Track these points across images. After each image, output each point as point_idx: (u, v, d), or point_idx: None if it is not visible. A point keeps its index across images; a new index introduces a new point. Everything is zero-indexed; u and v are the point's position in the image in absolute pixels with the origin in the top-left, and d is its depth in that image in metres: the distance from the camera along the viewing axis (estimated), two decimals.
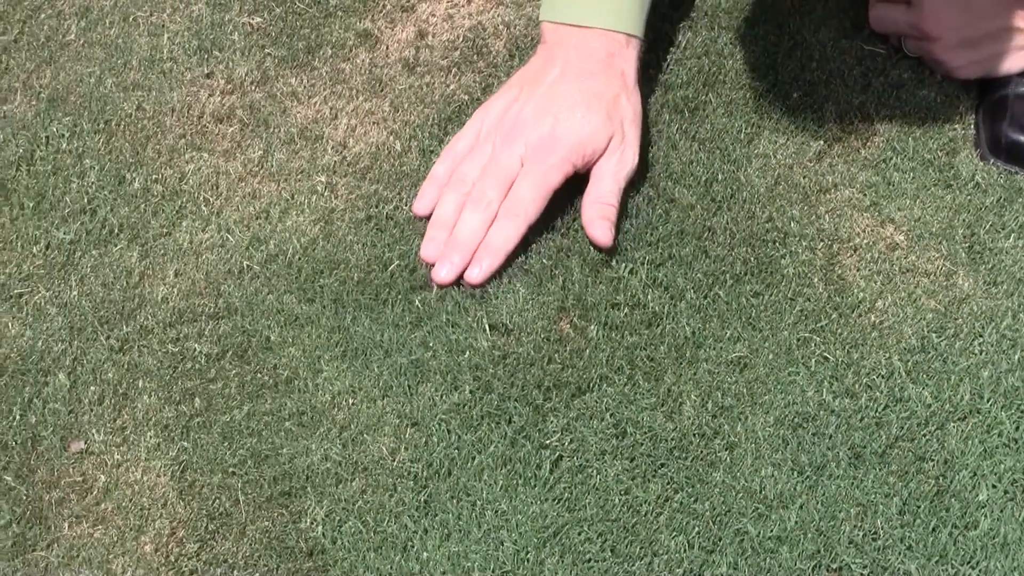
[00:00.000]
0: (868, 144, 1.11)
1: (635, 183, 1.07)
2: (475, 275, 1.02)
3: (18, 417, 0.99)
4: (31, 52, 1.16)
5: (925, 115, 1.12)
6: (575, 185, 1.07)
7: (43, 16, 1.18)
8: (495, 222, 1.03)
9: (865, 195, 1.08)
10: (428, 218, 1.06)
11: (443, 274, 1.02)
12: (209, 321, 1.03)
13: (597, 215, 1.03)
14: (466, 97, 1.14)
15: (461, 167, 1.06)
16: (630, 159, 1.05)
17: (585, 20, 1.05)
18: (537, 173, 1.03)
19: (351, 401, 0.99)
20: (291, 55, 1.15)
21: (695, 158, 1.10)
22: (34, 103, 1.14)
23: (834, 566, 0.93)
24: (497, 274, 1.03)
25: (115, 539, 0.95)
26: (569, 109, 1.03)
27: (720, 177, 1.09)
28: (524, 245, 1.05)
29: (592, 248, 1.04)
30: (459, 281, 1.03)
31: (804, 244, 1.06)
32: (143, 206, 1.09)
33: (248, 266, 1.05)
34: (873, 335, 1.02)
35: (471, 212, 1.04)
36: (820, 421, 0.98)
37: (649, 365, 1.00)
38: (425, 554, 0.93)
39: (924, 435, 0.97)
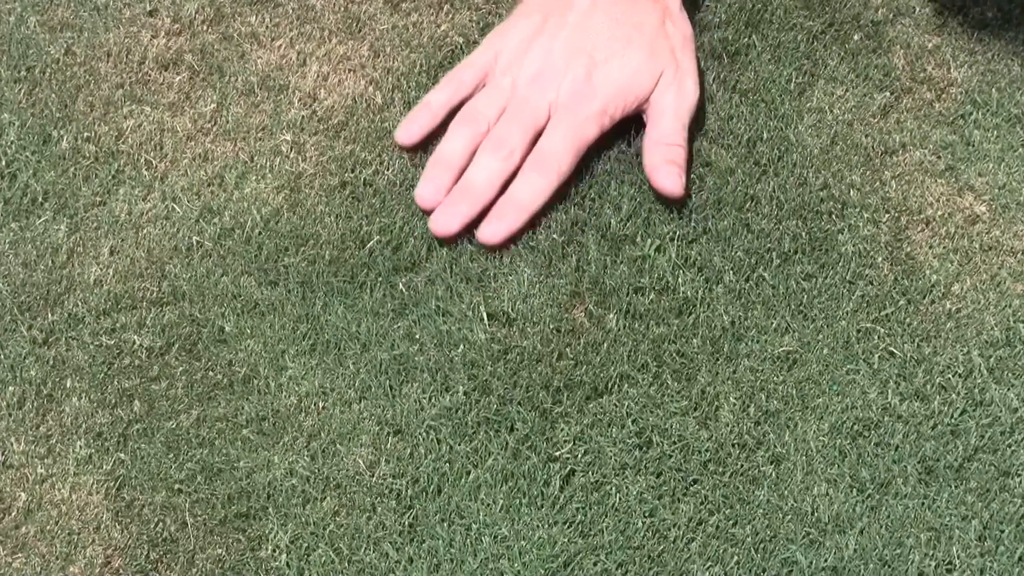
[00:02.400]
0: (943, 96, 1.11)
1: None
2: (494, 232, 1.02)
3: None
4: None
5: (1012, 61, 1.12)
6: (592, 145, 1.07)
7: None
8: (521, 174, 1.04)
9: (939, 158, 1.09)
10: (412, 149, 1.07)
11: (445, 223, 1.02)
12: (151, 308, 1.03)
13: (662, 159, 1.03)
14: (460, 40, 1.13)
15: (474, 101, 1.06)
16: (690, 90, 1.06)
17: None
18: (570, 124, 1.04)
19: (321, 404, 0.99)
20: None
21: (735, 113, 1.10)
22: None
23: None
24: (510, 242, 1.03)
25: (38, 569, 0.95)
26: (607, 47, 1.04)
27: (765, 136, 1.09)
28: (531, 220, 1.05)
29: (612, 222, 1.04)
30: (461, 237, 1.03)
31: (866, 216, 1.06)
32: (72, 170, 1.08)
33: (198, 242, 1.05)
34: (948, 326, 1.02)
35: (489, 157, 1.04)
36: (884, 429, 0.98)
37: (679, 362, 1.00)
38: None
39: (1009, 445, 0.98)
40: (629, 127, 1.07)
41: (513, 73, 1.06)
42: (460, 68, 1.08)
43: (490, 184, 1.03)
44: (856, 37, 1.13)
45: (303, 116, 1.10)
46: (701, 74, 1.08)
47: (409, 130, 1.07)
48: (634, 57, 1.04)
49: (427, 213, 1.04)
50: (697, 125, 1.09)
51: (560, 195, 1.05)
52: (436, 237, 1.03)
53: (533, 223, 1.04)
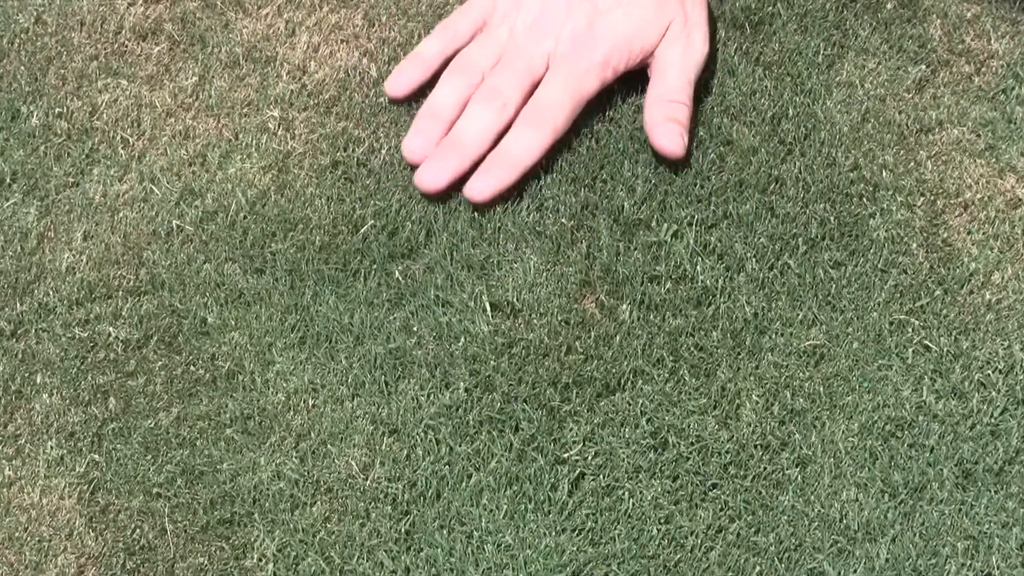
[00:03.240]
0: (983, 70, 1.11)
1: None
2: (482, 188, 1.02)
3: None
4: None
5: None
6: (601, 117, 1.07)
7: None
8: (514, 127, 1.04)
9: (979, 136, 1.09)
10: (402, 101, 1.07)
11: (431, 178, 1.03)
12: (128, 298, 1.03)
13: (663, 117, 1.03)
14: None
15: (468, 50, 1.07)
16: (699, 45, 1.06)
17: None
18: (569, 76, 1.04)
19: (311, 402, 0.99)
20: None
21: (759, 87, 1.10)
22: None
23: None
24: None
25: None
26: None
27: (791, 112, 1.09)
28: (537, 200, 1.05)
29: (625, 206, 1.04)
30: (450, 191, 1.03)
31: (899, 200, 1.06)
32: (43, 148, 1.09)
33: (178, 226, 1.05)
34: (988, 317, 1.02)
35: (482, 108, 1.04)
36: (919, 429, 0.98)
37: (698, 356, 1.00)
38: None
39: None
40: (640, 101, 1.07)
41: (511, 21, 1.06)
42: (455, 15, 1.08)
43: (481, 137, 1.03)
44: (889, 5, 1.13)
45: (292, 90, 1.10)
46: (712, 28, 1.09)
47: (399, 81, 1.07)
48: (640, 6, 1.04)
49: (415, 168, 1.04)
50: (716, 101, 1.08)
51: (568, 174, 1.05)
52: (422, 192, 1.03)
53: (525, 180, 1.04)
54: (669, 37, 1.05)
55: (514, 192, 1.04)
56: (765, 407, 0.99)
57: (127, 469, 0.98)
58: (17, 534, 0.96)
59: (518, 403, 0.98)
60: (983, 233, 1.05)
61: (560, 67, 1.04)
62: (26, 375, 1.01)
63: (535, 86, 1.05)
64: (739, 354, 1.00)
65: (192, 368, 1.01)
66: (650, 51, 1.05)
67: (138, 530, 0.96)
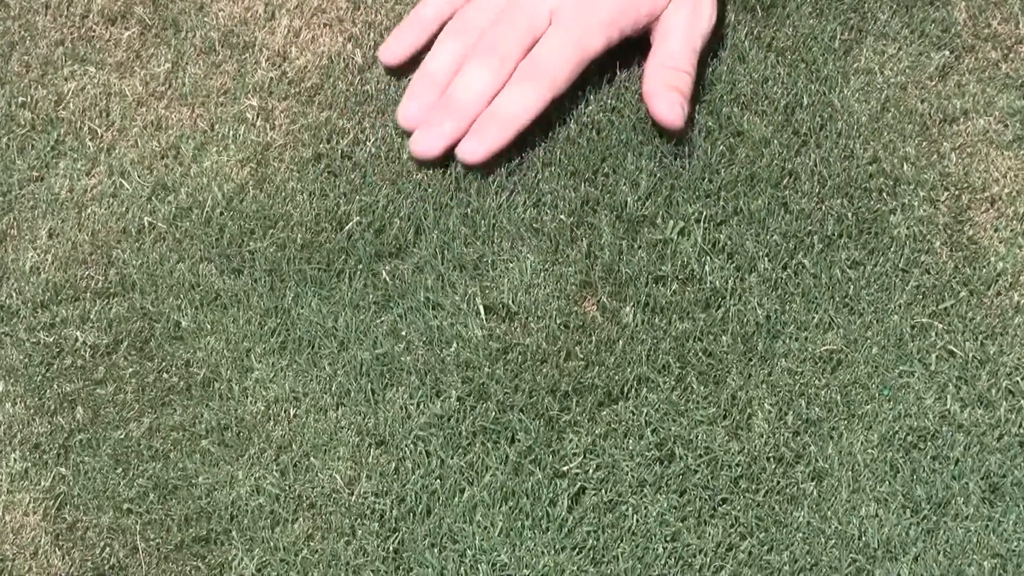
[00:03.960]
0: (1011, 56, 1.11)
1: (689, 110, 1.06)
2: (474, 150, 1.03)
3: None
4: None
5: None
6: (603, 105, 1.06)
7: None
8: (510, 83, 1.04)
9: (1007, 126, 1.09)
10: (399, 69, 1.08)
11: (427, 144, 1.03)
12: (96, 300, 1.03)
13: (663, 84, 1.04)
14: None
15: (465, 10, 1.07)
16: (707, 12, 1.06)
17: None
18: (571, 31, 1.04)
19: (292, 411, 0.99)
20: None
21: (771, 74, 1.10)
22: None
23: None
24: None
25: None
26: None
27: (806, 101, 1.09)
28: (534, 195, 1.04)
29: (628, 201, 1.04)
30: (447, 158, 1.04)
31: (922, 194, 1.06)
32: (5, 140, 1.09)
33: (150, 223, 1.05)
34: (1017, 320, 1.02)
35: (478, 66, 1.04)
36: (943, 440, 0.98)
37: (706, 362, 1.00)
38: None
39: None
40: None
41: None
42: None
43: (478, 97, 1.03)
44: None
45: (271, 78, 1.10)
46: (722, 2, 1.09)
47: (395, 48, 1.07)
48: None
49: (410, 134, 1.04)
50: (725, 89, 1.08)
51: (568, 168, 1.05)
52: (417, 159, 1.03)
53: (522, 142, 1.04)
54: (676, 2, 1.05)
55: (512, 152, 1.04)
56: (778, 417, 0.99)
57: (96, 483, 0.97)
58: None
59: (514, 413, 0.98)
60: (1011, 230, 1.05)
61: (563, 22, 1.04)
62: None
63: (536, 43, 1.04)
64: (750, 360, 1.00)
65: (165, 375, 1.01)
66: (657, 15, 1.05)
67: (108, 549, 0.96)
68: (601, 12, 1.04)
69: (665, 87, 1.03)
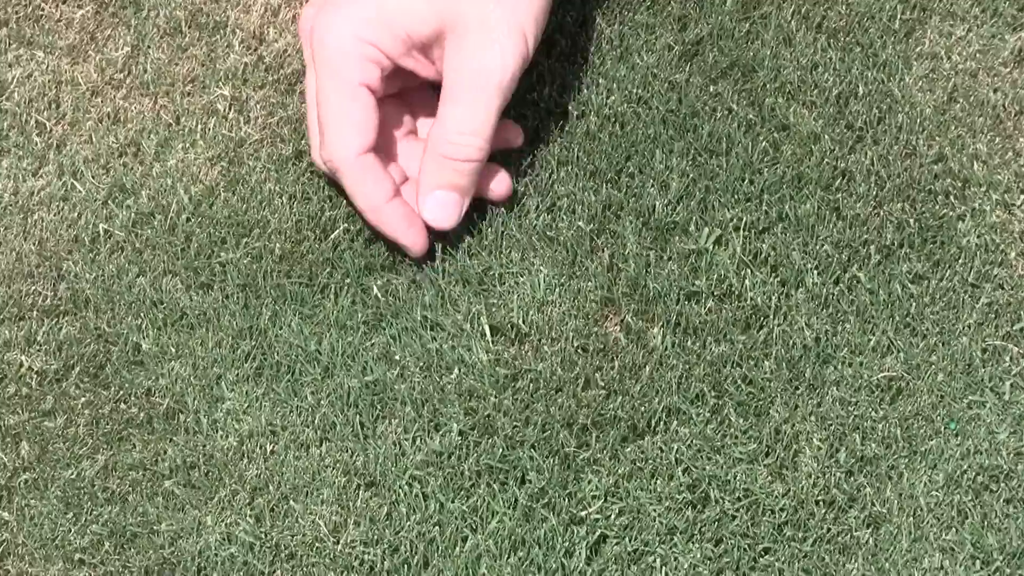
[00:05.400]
0: None
1: (719, 94, 1.07)
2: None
3: None
4: None
5: None
6: (627, 95, 1.06)
7: None
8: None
9: None
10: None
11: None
12: (44, 319, 1.03)
13: (435, 180, 1.01)
14: None
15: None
16: (507, 49, 0.99)
17: None
18: (320, 70, 1.01)
19: (270, 447, 1.00)
20: None
21: (822, 60, 1.10)
22: None
23: None
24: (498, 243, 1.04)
25: None
26: None
27: (861, 90, 1.09)
28: (547, 198, 1.05)
29: (657, 205, 1.04)
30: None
31: (995, 198, 1.06)
32: None
33: (106, 231, 1.05)
34: None
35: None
36: (1018, 481, 0.98)
37: (746, 391, 1.00)
38: None
39: None
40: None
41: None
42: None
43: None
44: None
45: (246, 64, 1.10)
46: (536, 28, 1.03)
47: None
48: None
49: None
50: (768, 76, 1.08)
51: (586, 168, 1.05)
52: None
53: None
54: (457, 28, 1.00)
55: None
56: (829, 454, 0.99)
57: (43, 530, 0.98)
58: None
59: (524, 449, 0.98)
60: None
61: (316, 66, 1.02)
62: None
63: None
64: (797, 389, 1.00)
65: (123, 406, 1.01)
66: (425, 44, 1.01)
67: None
68: (343, 37, 1.00)
69: (436, 185, 1.02)
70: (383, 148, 1.02)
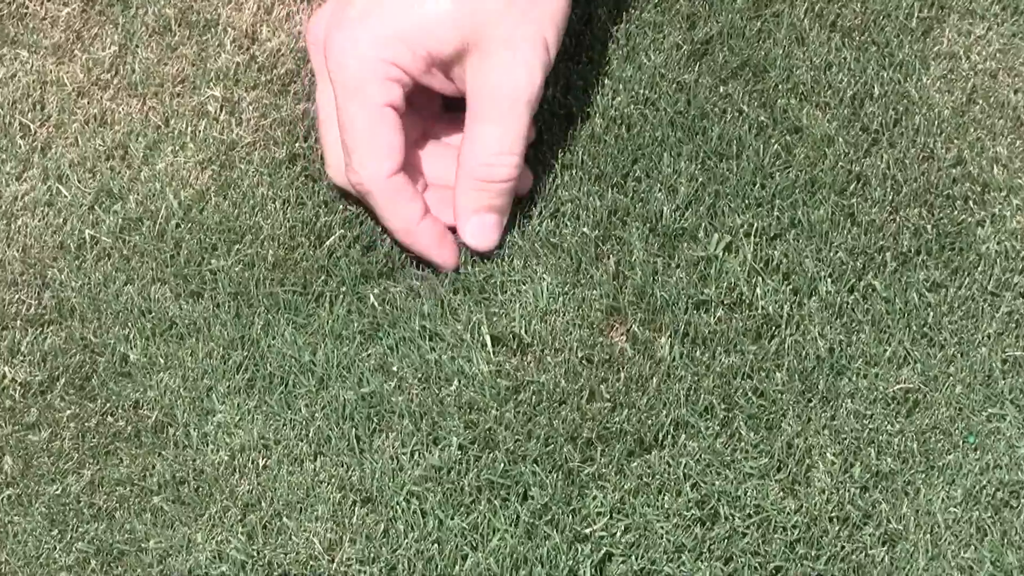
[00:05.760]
0: None
1: (730, 95, 1.07)
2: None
3: None
4: None
5: None
6: (634, 96, 1.06)
7: None
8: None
9: None
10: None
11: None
12: (28, 329, 1.03)
13: (473, 204, 1.02)
14: None
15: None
16: (532, 60, 1.00)
17: None
18: (338, 90, 1.01)
19: (262, 462, 0.99)
20: None
21: (835, 59, 1.10)
22: None
23: None
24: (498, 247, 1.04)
25: None
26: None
27: (877, 91, 1.09)
28: (551, 203, 1.05)
29: (664, 211, 1.04)
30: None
31: (1015, 203, 1.06)
32: None
33: (93, 237, 1.05)
34: None
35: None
36: None
37: (757, 404, 1.00)
38: None
39: None
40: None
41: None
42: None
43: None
44: None
45: (238, 63, 1.11)
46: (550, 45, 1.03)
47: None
48: None
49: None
50: (780, 76, 1.08)
51: (591, 172, 1.05)
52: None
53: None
54: (482, 45, 1.00)
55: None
56: (843, 469, 0.99)
57: (27, 548, 0.98)
58: None
59: (526, 464, 0.98)
60: None
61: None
62: None
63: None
64: (810, 401, 1.00)
65: (110, 419, 1.01)
66: (446, 61, 1.01)
67: None
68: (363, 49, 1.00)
69: (474, 209, 1.03)
70: (406, 160, 1.02)
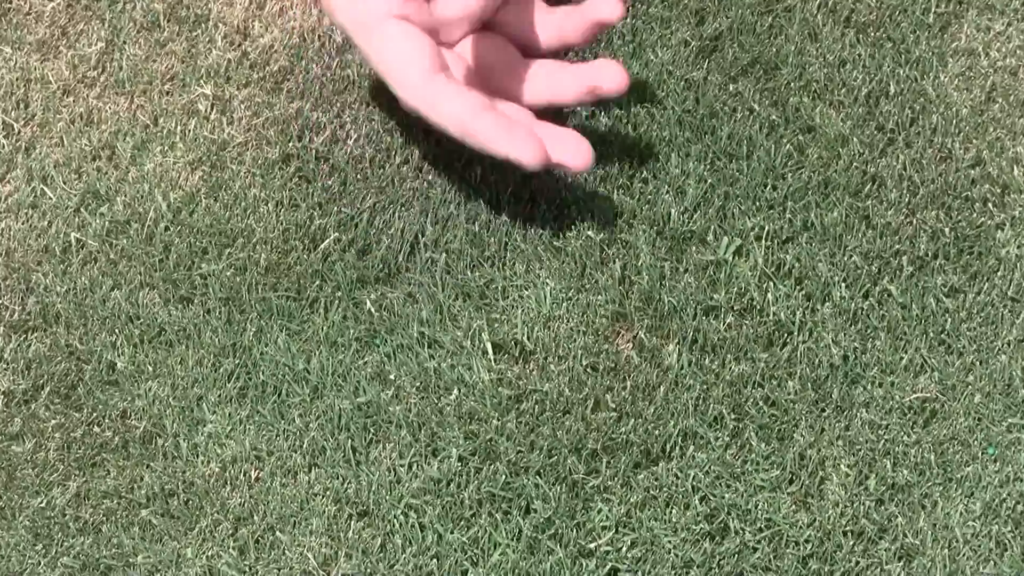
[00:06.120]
0: None
1: (740, 93, 1.07)
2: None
3: None
4: None
5: None
6: (640, 94, 1.06)
7: None
8: None
9: None
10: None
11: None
12: (11, 335, 1.03)
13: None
14: None
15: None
16: None
17: None
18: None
19: (254, 473, 1.00)
20: None
21: (850, 56, 1.10)
22: None
23: None
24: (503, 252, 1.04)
25: None
26: None
27: (892, 89, 1.09)
28: (554, 206, 1.04)
29: (672, 213, 1.04)
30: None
31: None
32: None
33: (79, 240, 1.05)
34: None
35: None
36: None
37: (769, 413, 1.00)
38: None
39: None
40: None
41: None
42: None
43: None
44: None
45: (229, 60, 1.10)
46: None
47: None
48: None
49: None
50: (792, 74, 1.08)
51: (593, 172, 1.05)
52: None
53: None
54: None
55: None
56: (857, 481, 0.99)
57: (10, 563, 0.98)
58: None
59: (529, 476, 0.98)
60: None
61: None
62: None
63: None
64: (823, 411, 1.00)
65: (96, 429, 1.01)
66: None
67: None
68: None
69: None
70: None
